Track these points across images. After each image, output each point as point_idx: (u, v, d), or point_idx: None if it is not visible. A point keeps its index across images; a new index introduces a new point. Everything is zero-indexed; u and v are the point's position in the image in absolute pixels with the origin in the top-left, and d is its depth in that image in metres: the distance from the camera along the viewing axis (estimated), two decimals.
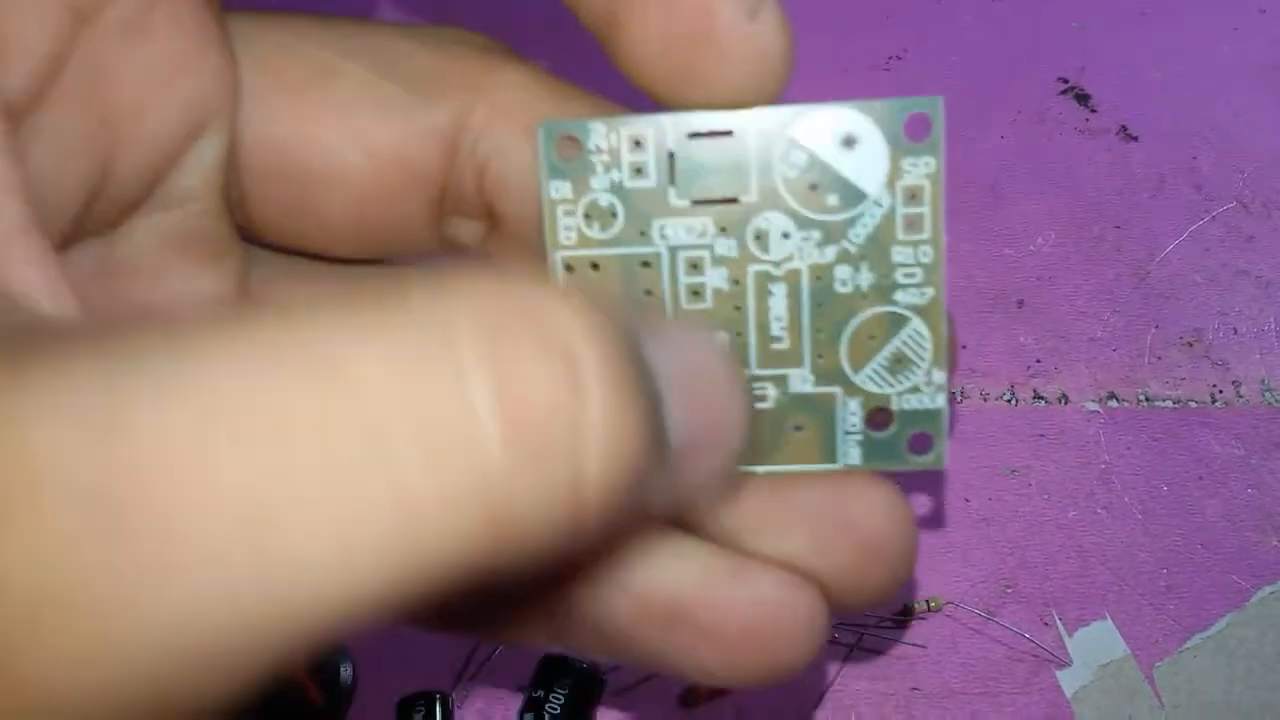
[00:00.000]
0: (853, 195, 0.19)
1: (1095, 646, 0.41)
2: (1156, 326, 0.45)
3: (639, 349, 0.14)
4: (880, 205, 0.19)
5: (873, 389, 0.19)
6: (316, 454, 0.12)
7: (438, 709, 0.38)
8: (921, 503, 0.43)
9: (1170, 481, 0.43)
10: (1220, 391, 0.44)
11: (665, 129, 0.19)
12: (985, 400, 0.45)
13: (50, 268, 0.16)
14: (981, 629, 0.41)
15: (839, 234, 0.19)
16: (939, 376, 0.19)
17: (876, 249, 0.19)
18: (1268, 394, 0.44)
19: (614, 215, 0.19)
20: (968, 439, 0.44)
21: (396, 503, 0.12)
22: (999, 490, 0.43)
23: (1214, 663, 0.40)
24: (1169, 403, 0.44)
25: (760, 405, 0.20)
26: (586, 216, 0.19)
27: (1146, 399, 0.44)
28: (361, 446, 0.12)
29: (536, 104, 0.20)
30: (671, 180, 0.19)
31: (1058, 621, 0.41)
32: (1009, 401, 0.45)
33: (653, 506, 0.17)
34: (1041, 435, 0.44)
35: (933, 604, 0.41)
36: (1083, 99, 0.50)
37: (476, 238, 0.22)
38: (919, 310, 0.19)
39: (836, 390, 0.19)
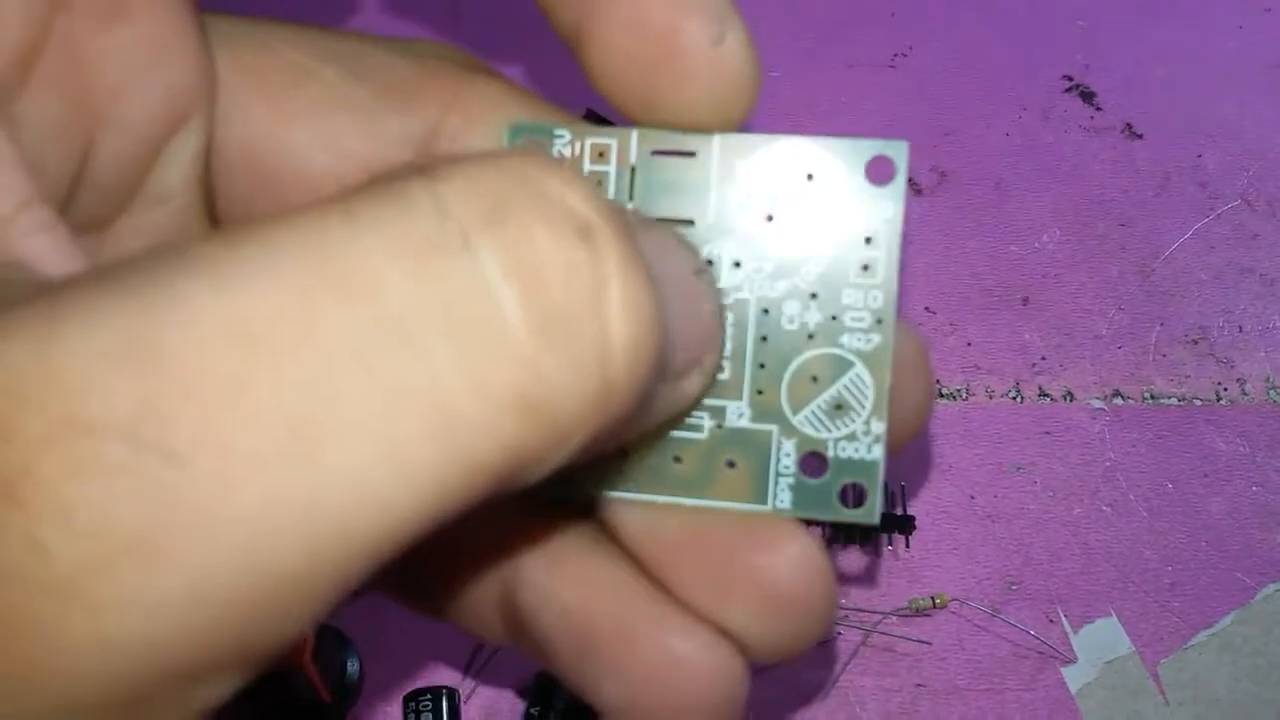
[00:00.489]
0: (808, 231, 0.19)
1: (1100, 643, 0.41)
2: (1161, 324, 0.45)
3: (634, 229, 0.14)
4: (834, 247, 0.19)
5: (809, 432, 0.19)
6: (350, 361, 0.12)
7: (444, 704, 0.38)
8: (927, 499, 0.43)
9: (1175, 479, 0.43)
10: (1225, 389, 0.44)
11: (629, 143, 0.19)
12: (990, 397, 0.45)
13: (60, 235, 0.16)
14: (987, 626, 0.41)
15: (791, 269, 0.19)
16: (878, 427, 0.19)
17: (828, 289, 0.19)
18: (1272, 392, 0.44)
19: None
20: (973, 436, 0.44)
21: (432, 401, 0.12)
22: (1004, 487, 0.43)
23: (1218, 660, 0.40)
24: (1174, 400, 0.44)
25: (694, 435, 0.19)
26: None
27: (1151, 396, 0.44)
28: (391, 348, 0.12)
29: (510, 117, 0.20)
30: (631, 195, 0.19)
31: (1063, 618, 0.41)
32: (1014, 399, 0.45)
33: (651, 416, 0.16)
34: (1047, 433, 0.44)
35: (938, 601, 0.41)
36: (1087, 97, 0.50)
37: None
38: (863, 356, 0.19)
39: (773, 429, 0.19)
